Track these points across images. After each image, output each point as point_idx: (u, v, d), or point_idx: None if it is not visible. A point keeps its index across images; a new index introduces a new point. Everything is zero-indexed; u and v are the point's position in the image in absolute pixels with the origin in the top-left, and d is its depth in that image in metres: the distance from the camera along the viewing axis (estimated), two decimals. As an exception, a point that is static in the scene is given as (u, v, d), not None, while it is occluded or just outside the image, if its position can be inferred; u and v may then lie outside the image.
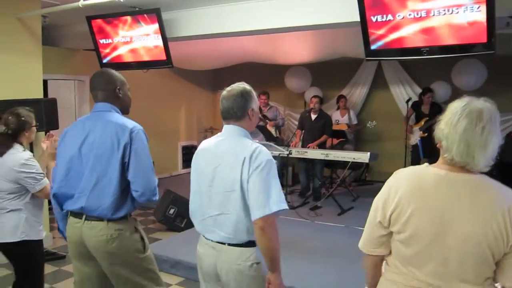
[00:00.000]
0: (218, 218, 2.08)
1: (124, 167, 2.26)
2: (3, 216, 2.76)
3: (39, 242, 2.90)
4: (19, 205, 2.79)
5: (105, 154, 2.26)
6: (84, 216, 2.31)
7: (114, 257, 2.31)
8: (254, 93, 2.17)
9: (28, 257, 2.83)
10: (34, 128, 2.95)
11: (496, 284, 1.56)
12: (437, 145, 1.54)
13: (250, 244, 2.06)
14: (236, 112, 2.10)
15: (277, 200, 1.96)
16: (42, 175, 2.81)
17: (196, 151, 2.26)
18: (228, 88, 2.15)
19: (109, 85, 2.41)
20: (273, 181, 1.99)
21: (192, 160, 2.26)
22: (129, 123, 2.34)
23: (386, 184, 1.63)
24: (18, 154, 2.78)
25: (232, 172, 2.02)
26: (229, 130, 2.15)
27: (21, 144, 2.85)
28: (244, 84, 2.17)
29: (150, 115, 7.41)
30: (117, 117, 2.37)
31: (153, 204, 2.41)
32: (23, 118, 2.84)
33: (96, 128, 2.32)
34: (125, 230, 2.33)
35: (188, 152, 9.73)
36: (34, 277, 2.88)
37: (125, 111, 2.50)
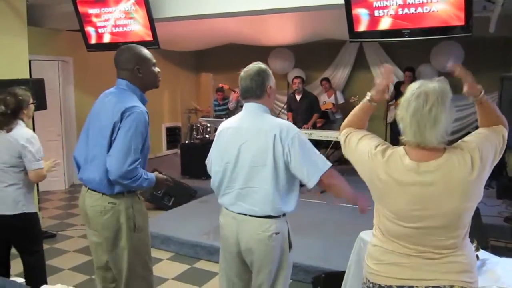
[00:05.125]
0: (242, 192, 2.19)
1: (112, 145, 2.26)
2: (3, 190, 2.85)
3: (36, 214, 3.05)
4: (18, 179, 2.89)
5: (102, 131, 2.29)
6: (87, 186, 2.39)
7: (106, 229, 2.34)
8: (270, 71, 2.27)
9: (27, 228, 2.96)
10: (32, 106, 3.05)
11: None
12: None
13: (270, 217, 2.16)
14: (255, 91, 2.21)
15: (322, 162, 2.14)
16: (40, 157, 2.91)
17: (218, 131, 2.35)
18: (245, 69, 2.25)
19: (127, 64, 2.39)
20: (309, 149, 2.14)
21: (214, 140, 2.37)
22: (129, 103, 2.29)
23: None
24: (24, 129, 2.92)
25: (262, 148, 2.12)
26: (250, 108, 2.25)
27: (22, 120, 2.96)
28: (260, 63, 2.26)
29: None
30: (125, 96, 2.35)
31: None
32: (20, 97, 2.94)
33: (105, 103, 2.36)
34: (119, 204, 2.33)
35: (172, 133, 9.73)
36: (36, 245, 3.04)
37: (147, 89, 2.49)
